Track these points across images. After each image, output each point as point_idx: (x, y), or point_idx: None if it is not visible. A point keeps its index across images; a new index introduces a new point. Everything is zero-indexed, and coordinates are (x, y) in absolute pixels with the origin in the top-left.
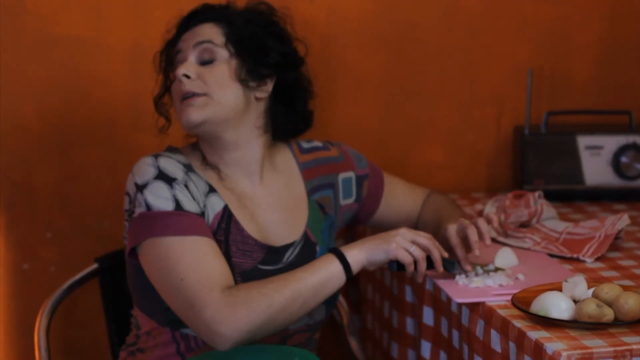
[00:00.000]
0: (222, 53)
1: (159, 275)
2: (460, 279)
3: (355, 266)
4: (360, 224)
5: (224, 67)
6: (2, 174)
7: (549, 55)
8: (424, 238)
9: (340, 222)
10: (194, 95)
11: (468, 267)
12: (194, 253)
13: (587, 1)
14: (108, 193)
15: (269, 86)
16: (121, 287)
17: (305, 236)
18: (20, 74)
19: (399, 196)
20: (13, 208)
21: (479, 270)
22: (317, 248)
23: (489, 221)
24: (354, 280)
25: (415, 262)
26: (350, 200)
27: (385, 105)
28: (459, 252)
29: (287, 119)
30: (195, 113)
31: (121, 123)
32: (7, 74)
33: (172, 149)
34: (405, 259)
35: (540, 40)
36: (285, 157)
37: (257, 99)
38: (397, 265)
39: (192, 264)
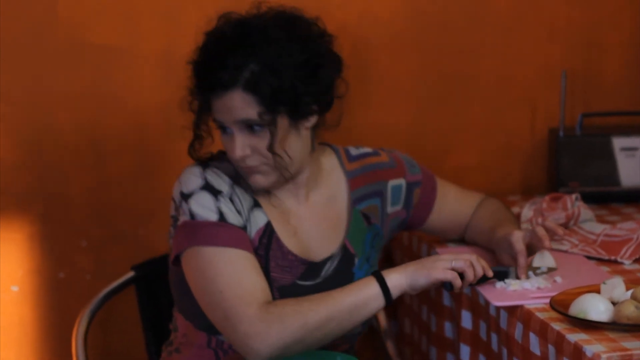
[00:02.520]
0: (267, 118)
1: (198, 284)
2: (499, 283)
3: (394, 290)
4: (411, 231)
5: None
6: (37, 184)
7: (582, 56)
8: (461, 261)
9: (388, 230)
10: (256, 166)
11: (524, 276)
12: (234, 266)
13: (619, 2)
14: (142, 200)
15: (315, 115)
16: (158, 295)
17: (344, 248)
18: (52, 83)
19: (452, 203)
20: (48, 217)
21: (531, 273)
22: (356, 260)
23: (552, 233)
24: None
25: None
26: (398, 207)
27: (417, 108)
28: (522, 259)
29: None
30: (263, 179)
31: (154, 130)
32: (40, 83)
33: (220, 158)
34: (448, 275)
35: (572, 42)
36: (332, 166)
37: (307, 128)
38: (450, 285)
39: (231, 277)
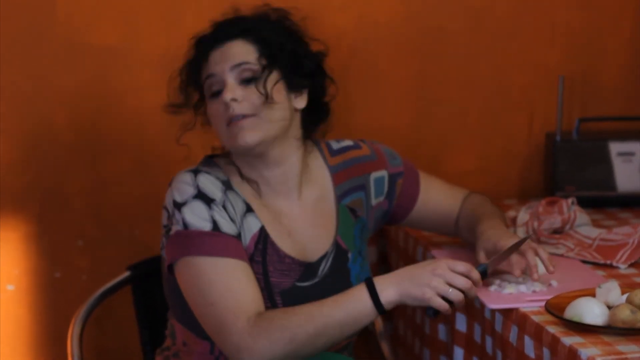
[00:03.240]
0: (260, 66)
1: (191, 295)
2: (493, 286)
3: (388, 306)
4: (396, 224)
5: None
6: (34, 183)
7: (580, 61)
8: (461, 281)
9: (373, 222)
10: (244, 117)
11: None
12: (225, 277)
13: (617, 7)
14: (139, 201)
15: (305, 95)
16: (154, 295)
17: (336, 245)
18: (51, 83)
19: (437, 196)
20: (45, 217)
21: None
22: (349, 255)
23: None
24: None
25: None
26: (381, 199)
27: (415, 111)
28: (517, 271)
29: (317, 119)
30: (250, 135)
31: (151, 131)
32: (39, 83)
33: (209, 162)
34: (442, 308)
35: (570, 46)
36: (317, 161)
37: (296, 110)
38: (433, 312)
39: (222, 289)
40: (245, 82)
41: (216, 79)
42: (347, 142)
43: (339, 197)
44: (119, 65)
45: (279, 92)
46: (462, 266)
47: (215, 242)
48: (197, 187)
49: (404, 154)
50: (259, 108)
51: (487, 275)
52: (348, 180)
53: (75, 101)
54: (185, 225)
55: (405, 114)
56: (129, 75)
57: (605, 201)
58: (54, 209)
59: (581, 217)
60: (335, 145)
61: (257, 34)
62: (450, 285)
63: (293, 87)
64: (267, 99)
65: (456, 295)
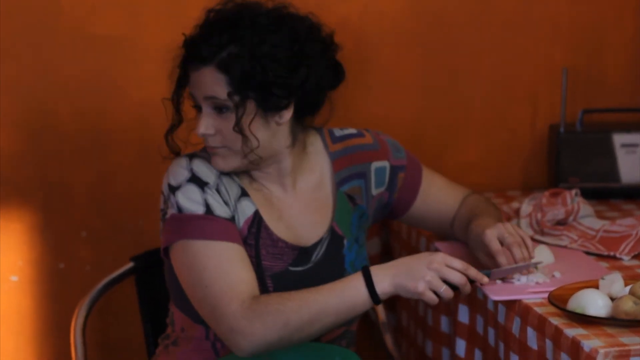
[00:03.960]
0: (232, 102)
1: (185, 278)
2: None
3: (383, 296)
4: (395, 218)
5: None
6: (37, 174)
7: (583, 53)
8: (457, 276)
9: (373, 212)
10: (218, 147)
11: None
12: (219, 259)
13: (621, 0)
14: (143, 192)
15: (290, 108)
16: (157, 286)
17: (332, 231)
18: (55, 74)
19: (437, 192)
20: (48, 208)
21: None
22: (345, 242)
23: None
24: None
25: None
26: (382, 189)
27: (419, 103)
28: (502, 258)
29: (311, 112)
30: (223, 163)
31: (155, 122)
32: (42, 74)
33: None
34: (432, 302)
35: (574, 39)
36: (316, 148)
37: (279, 124)
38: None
39: (216, 271)
40: (220, 111)
41: (195, 99)
42: (351, 130)
43: (338, 184)
44: (123, 57)
45: (255, 123)
46: (458, 263)
47: (208, 225)
48: (192, 171)
49: (407, 146)
50: (232, 142)
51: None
52: (347, 167)
53: (79, 93)
54: (179, 209)
55: (409, 105)
56: (133, 68)
57: (608, 193)
58: (57, 200)
59: (585, 208)
60: (338, 133)
61: (228, 66)
62: (445, 281)
63: (272, 110)
64: (243, 136)
65: (447, 294)
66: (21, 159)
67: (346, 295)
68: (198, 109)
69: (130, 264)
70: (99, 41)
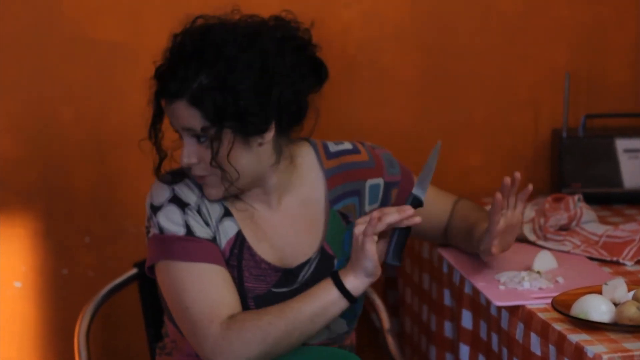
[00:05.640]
0: (210, 132)
1: (168, 298)
2: (500, 285)
3: (355, 290)
4: None
5: (221, 145)
6: (40, 180)
7: (586, 58)
8: (373, 220)
9: None
10: (204, 176)
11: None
12: (199, 281)
13: (623, 3)
14: (145, 198)
15: (271, 129)
16: (160, 292)
17: (322, 251)
18: (56, 79)
19: (429, 204)
20: (51, 213)
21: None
22: (335, 261)
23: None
24: (393, 284)
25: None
26: (375, 206)
27: (421, 108)
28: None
29: (293, 123)
30: (214, 191)
31: None
32: (44, 79)
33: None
34: (373, 243)
35: (576, 43)
36: (310, 163)
37: (262, 144)
38: (392, 257)
39: (196, 293)
40: (199, 140)
41: (175, 128)
42: (346, 146)
43: (331, 202)
44: (125, 62)
45: (235, 151)
46: (376, 212)
47: (189, 246)
48: (173, 191)
49: (409, 152)
50: (215, 170)
51: (423, 202)
52: (342, 185)
53: (82, 97)
54: (160, 229)
55: (410, 110)
56: (135, 72)
57: (611, 198)
58: (60, 205)
59: (587, 213)
60: (332, 148)
61: (199, 99)
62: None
63: (252, 134)
64: (221, 170)
65: (378, 222)
66: (23, 164)
67: (319, 298)
68: (180, 135)
69: (134, 270)
70: (100, 46)
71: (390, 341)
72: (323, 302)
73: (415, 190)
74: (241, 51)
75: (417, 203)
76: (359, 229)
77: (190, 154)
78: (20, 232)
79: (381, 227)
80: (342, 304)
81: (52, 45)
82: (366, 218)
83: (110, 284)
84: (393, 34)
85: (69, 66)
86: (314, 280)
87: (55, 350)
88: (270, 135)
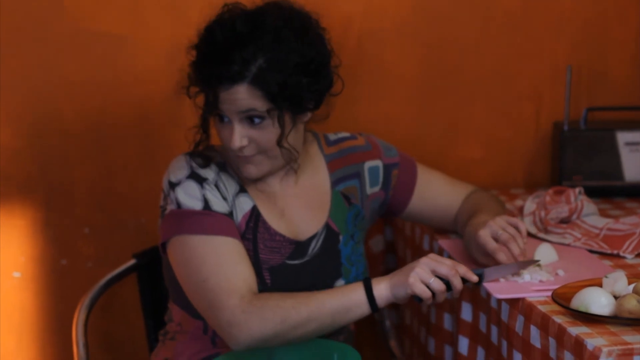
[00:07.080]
0: (272, 113)
1: (183, 272)
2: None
3: (380, 300)
4: (395, 216)
5: (275, 125)
6: (39, 171)
7: (587, 51)
8: (445, 267)
9: (369, 212)
10: (252, 155)
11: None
12: (217, 254)
13: None
14: (145, 189)
15: (310, 111)
16: (159, 283)
17: (327, 226)
18: (57, 72)
19: (436, 189)
20: (51, 204)
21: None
22: (340, 237)
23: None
24: None
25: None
26: (377, 189)
27: (422, 102)
28: (501, 257)
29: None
30: (257, 170)
31: (157, 119)
32: (44, 71)
33: (208, 147)
34: (423, 294)
35: (578, 37)
36: (314, 151)
37: (303, 123)
38: (418, 298)
39: (214, 266)
40: (254, 122)
41: (225, 113)
42: (344, 134)
43: (334, 183)
44: (125, 54)
45: (290, 132)
46: (447, 260)
47: (206, 220)
48: (191, 168)
49: (410, 145)
50: (270, 149)
51: (482, 282)
52: (342, 168)
53: (82, 90)
54: (179, 204)
55: (412, 103)
56: (136, 64)
57: (612, 191)
58: (59, 196)
59: (588, 206)
60: (332, 137)
61: (262, 80)
62: (435, 275)
63: (301, 114)
64: (285, 150)
65: (438, 284)
66: (23, 155)
67: (345, 296)
68: (220, 118)
69: (133, 261)
70: (100, 38)
71: (390, 333)
72: (348, 301)
73: (479, 271)
74: (295, 33)
75: (475, 280)
76: (422, 269)
77: (242, 137)
78: (20, 222)
79: (435, 285)
80: (365, 308)
81: (53, 38)
82: (445, 260)
83: (109, 274)
84: (394, 28)
85: (69, 58)
86: (322, 253)
87: (53, 340)
88: (307, 116)
